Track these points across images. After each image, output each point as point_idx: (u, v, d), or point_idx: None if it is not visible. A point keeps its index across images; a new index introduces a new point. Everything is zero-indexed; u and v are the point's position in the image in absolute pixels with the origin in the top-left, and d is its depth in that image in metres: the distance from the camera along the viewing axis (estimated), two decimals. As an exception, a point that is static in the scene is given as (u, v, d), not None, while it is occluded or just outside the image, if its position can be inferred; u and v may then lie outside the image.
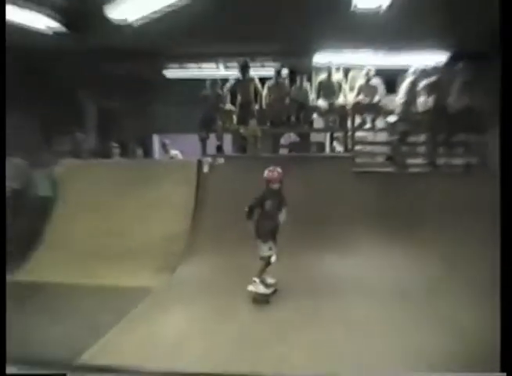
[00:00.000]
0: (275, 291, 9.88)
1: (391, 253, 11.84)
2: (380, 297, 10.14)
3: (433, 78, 14.76)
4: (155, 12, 9.18)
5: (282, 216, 9.98)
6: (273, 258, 9.80)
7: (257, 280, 9.68)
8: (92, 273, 11.19)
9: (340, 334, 8.28)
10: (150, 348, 7.60)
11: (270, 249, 9.70)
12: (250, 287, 9.64)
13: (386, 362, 7.36)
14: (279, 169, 9.68)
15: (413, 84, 14.83)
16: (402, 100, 14.91)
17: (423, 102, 14.84)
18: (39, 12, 9.64)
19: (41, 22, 9.91)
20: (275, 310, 9.23)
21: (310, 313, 9.15)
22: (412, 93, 14.82)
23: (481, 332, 8.18)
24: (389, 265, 11.47)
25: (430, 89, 14.65)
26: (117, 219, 12.96)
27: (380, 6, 8.86)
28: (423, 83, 14.89)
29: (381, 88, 15.30)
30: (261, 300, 9.41)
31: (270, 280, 10.00)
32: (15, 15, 9.31)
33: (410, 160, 14.97)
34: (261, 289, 9.63)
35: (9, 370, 1.55)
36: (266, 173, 9.77)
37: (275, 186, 9.67)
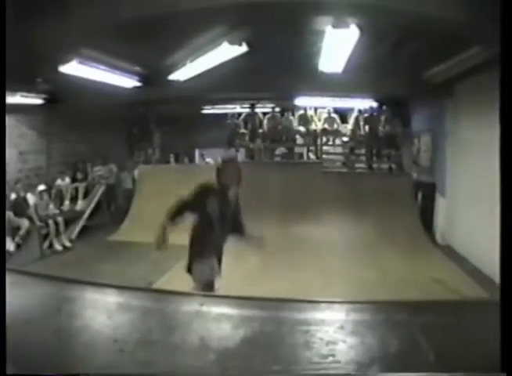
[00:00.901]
0: None
1: (345, 223, 12.24)
2: (337, 250, 10.85)
3: (368, 115, 15.17)
4: (196, 74, 9.43)
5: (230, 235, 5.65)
6: (217, 285, 5.46)
7: None
8: (158, 236, 11.58)
9: (313, 272, 9.02)
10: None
11: (212, 269, 5.42)
12: None
13: (342, 285, 8.16)
14: (236, 161, 6.05)
15: (357, 118, 15.32)
16: (350, 128, 15.39)
17: (363, 129, 15.18)
18: (126, 76, 9.97)
19: (127, 82, 10.25)
20: (276, 258, 9.49)
21: (294, 259, 9.80)
22: (356, 124, 15.26)
23: (396, 270, 9.21)
24: (343, 230, 12.02)
25: (367, 121, 15.05)
26: (172, 202, 13.07)
27: (336, 71, 9.12)
28: (363, 117, 15.27)
29: (338, 120, 15.61)
30: None
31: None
32: (111, 78, 9.72)
33: (356, 165, 15.29)
34: None
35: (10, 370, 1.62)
36: (220, 162, 5.76)
37: (228, 183, 5.22)
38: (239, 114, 16.12)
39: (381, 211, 12.15)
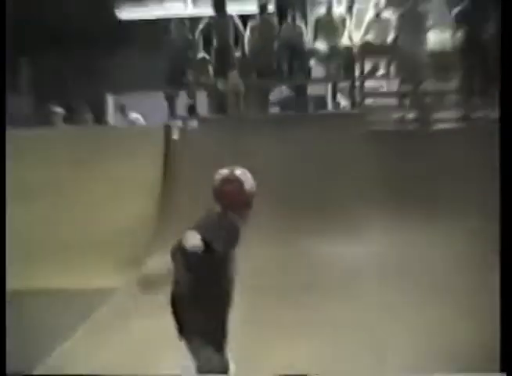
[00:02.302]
0: None
1: (405, 237, 10.71)
2: (382, 278, 9.89)
3: (462, 5, 11.62)
4: None
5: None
6: None
7: None
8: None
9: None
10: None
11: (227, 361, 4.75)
12: None
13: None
14: (246, 175, 4.97)
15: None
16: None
17: (450, 36, 11.84)
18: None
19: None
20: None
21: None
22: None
23: (472, 302, 8.42)
24: (394, 248, 10.41)
25: (459, 18, 11.84)
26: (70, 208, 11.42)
27: None
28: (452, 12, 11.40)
29: (397, 23, 11.75)
30: None
31: None
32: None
33: (436, 115, 12.18)
34: None
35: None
36: (219, 180, 4.98)
37: (238, 210, 4.74)
38: (195, 20, 13.15)
39: (462, 210, 10.42)
